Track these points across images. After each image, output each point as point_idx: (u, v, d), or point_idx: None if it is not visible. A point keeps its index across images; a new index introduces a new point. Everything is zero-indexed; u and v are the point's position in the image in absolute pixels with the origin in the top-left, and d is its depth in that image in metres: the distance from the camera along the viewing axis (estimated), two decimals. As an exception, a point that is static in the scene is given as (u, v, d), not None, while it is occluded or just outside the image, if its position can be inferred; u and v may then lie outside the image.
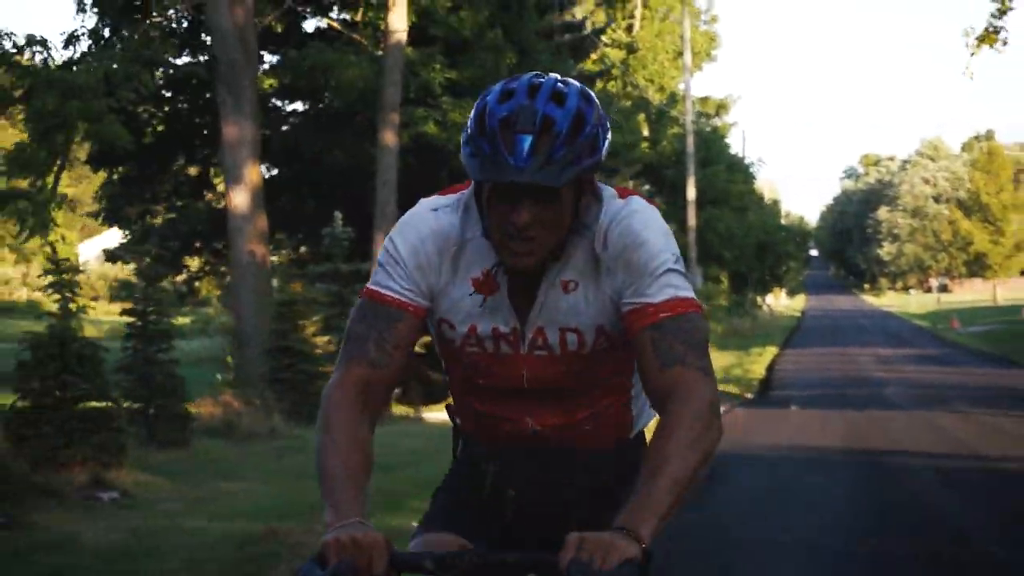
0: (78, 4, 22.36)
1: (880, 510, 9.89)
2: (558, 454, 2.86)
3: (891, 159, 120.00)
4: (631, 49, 43.36)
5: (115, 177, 24.20)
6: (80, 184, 47.34)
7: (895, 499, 10.47)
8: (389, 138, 19.26)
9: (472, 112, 2.55)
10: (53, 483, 10.41)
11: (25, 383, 11.74)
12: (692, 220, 36.41)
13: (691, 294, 2.59)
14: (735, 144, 66.79)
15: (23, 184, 19.76)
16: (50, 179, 19.80)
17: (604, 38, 37.29)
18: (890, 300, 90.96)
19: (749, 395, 22.98)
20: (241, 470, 12.27)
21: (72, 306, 12.27)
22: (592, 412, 2.84)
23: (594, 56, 29.84)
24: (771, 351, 36.75)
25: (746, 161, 51.46)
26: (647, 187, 36.75)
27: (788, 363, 32.68)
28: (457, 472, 3.03)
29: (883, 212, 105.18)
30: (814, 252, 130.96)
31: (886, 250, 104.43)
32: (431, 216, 2.72)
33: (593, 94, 2.59)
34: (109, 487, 10.79)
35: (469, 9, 21.80)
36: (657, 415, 2.59)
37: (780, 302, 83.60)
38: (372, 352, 2.64)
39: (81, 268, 14.01)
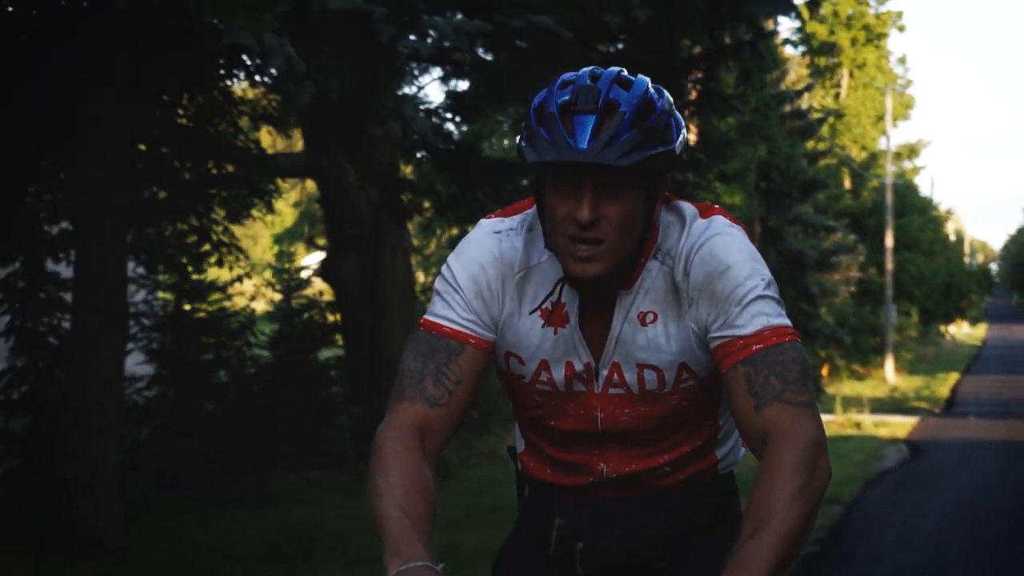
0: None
1: (1020, 463, 17.68)
2: (631, 500, 2.55)
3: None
4: (838, 115, 50.11)
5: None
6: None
7: (1030, 462, 18.16)
8: (681, 216, 26.89)
9: (531, 105, 2.32)
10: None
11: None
12: (889, 264, 42.06)
13: (786, 321, 2.29)
14: (924, 186, 71.37)
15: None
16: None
17: (816, 104, 44.42)
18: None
19: (936, 410, 28.97)
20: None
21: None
22: (673, 456, 2.53)
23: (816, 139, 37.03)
24: (953, 376, 41.43)
25: (934, 202, 57.54)
26: (852, 236, 43.46)
27: (968, 387, 37.59)
28: (523, 525, 2.72)
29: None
30: (996, 280, 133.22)
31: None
32: (492, 240, 2.46)
33: (667, 92, 2.35)
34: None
35: (734, 115, 29.53)
36: (747, 451, 2.41)
37: (962, 330, 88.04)
38: (429, 389, 2.34)
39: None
